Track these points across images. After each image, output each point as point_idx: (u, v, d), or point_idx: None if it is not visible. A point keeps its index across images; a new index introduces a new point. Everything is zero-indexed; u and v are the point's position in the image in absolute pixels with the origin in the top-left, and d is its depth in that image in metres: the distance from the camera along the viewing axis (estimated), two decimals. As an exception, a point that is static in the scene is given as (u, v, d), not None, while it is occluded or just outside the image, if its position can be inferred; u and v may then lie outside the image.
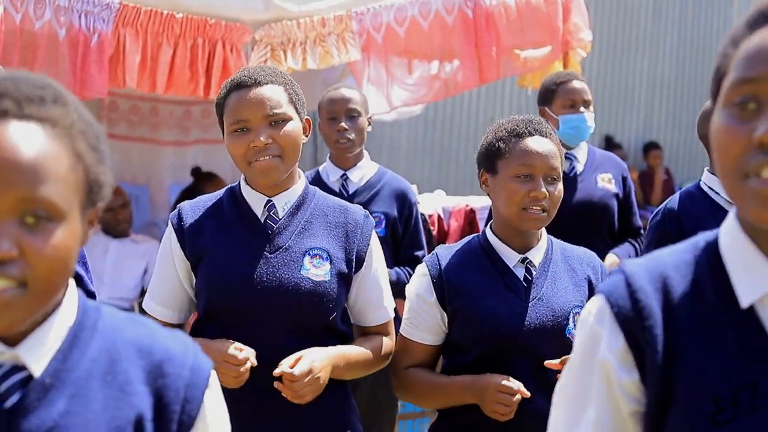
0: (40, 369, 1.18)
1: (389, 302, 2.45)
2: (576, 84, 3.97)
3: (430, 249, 4.08)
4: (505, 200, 2.36)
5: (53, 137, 1.14)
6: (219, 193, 2.42)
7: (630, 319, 1.20)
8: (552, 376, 2.27)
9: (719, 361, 1.17)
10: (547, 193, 2.33)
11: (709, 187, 3.17)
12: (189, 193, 5.02)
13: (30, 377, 1.18)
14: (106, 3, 3.98)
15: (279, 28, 4.27)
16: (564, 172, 2.62)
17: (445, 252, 2.44)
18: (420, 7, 4.62)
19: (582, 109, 3.91)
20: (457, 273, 2.37)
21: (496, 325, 2.31)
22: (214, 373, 1.28)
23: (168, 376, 1.23)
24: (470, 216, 4.20)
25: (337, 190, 3.57)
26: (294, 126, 2.30)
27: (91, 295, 2.00)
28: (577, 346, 1.28)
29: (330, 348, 2.29)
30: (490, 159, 2.41)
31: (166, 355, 1.25)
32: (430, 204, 4.20)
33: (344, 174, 3.65)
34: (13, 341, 1.17)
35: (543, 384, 2.29)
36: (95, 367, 1.21)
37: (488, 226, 2.48)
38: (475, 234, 2.52)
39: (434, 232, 4.09)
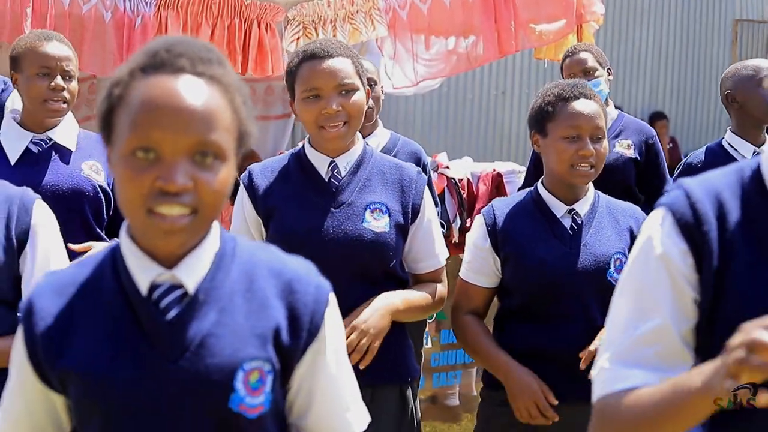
0: (193, 287, 1.39)
1: (441, 250, 2.65)
2: (573, 58, 4.07)
3: (461, 211, 4.33)
4: (555, 159, 2.62)
5: (219, 92, 1.35)
6: (284, 157, 2.65)
7: (690, 225, 1.38)
8: (596, 318, 2.52)
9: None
10: (593, 151, 2.58)
11: (730, 145, 3.42)
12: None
13: (185, 294, 1.39)
14: (149, -14, 4.23)
15: (310, 7, 4.50)
16: None
17: (500, 204, 2.72)
18: (442, -16, 4.84)
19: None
20: (509, 222, 2.64)
21: (544, 270, 2.57)
22: (332, 293, 1.49)
23: (298, 292, 1.44)
24: (497, 180, 4.42)
25: None
26: (360, 95, 2.52)
27: None
28: (636, 250, 1.43)
29: (387, 294, 2.50)
30: (540, 122, 2.66)
31: (295, 275, 1.46)
32: (461, 169, 4.41)
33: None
34: (169, 264, 1.39)
35: (586, 324, 2.54)
36: (237, 286, 1.42)
37: (540, 181, 2.72)
38: (529, 189, 2.77)
39: (464, 196, 4.32)
